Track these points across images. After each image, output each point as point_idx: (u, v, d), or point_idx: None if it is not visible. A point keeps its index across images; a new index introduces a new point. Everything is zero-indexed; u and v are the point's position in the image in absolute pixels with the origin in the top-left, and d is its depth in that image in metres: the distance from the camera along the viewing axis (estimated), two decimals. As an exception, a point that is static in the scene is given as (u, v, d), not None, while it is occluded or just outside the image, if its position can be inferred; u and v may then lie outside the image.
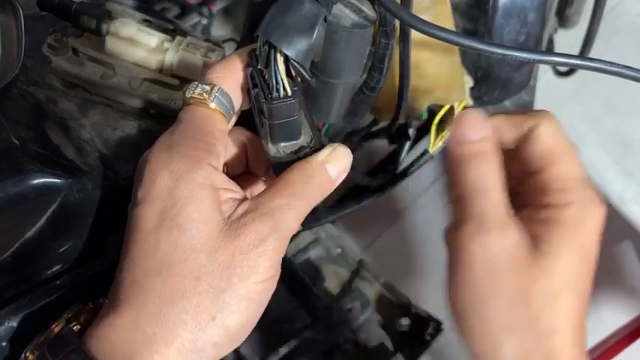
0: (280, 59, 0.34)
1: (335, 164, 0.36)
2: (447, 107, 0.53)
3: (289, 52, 0.34)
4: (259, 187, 0.42)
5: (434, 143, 0.55)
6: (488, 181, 0.37)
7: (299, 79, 0.35)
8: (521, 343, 0.36)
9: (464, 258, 0.36)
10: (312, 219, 0.55)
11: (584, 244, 0.37)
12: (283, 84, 0.34)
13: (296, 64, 0.34)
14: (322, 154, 0.36)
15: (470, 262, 0.36)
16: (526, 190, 0.39)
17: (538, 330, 0.36)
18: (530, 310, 0.36)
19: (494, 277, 0.36)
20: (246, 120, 0.39)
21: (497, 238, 0.36)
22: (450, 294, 0.38)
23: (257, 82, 0.35)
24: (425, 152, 0.56)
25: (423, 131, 0.62)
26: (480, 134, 0.38)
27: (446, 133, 0.54)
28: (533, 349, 0.36)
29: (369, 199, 0.56)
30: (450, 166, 0.38)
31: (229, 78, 0.36)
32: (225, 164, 0.39)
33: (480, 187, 0.37)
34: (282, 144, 0.36)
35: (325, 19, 0.36)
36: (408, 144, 0.63)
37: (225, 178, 0.35)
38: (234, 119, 0.38)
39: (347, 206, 0.56)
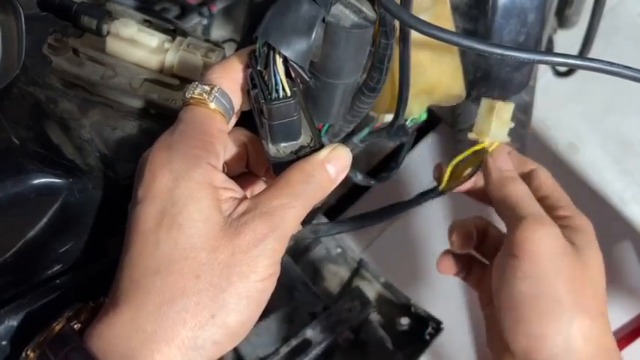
0: (279, 60, 0.34)
1: (335, 163, 0.36)
2: (478, 147, 0.49)
3: (288, 54, 0.34)
4: (260, 187, 0.42)
5: (447, 181, 0.51)
6: (530, 193, 0.47)
7: (298, 80, 0.35)
8: (583, 322, 0.42)
9: (528, 248, 0.43)
10: (312, 231, 0.54)
11: (596, 242, 0.46)
12: (282, 85, 0.34)
13: (295, 65, 0.34)
14: (322, 154, 0.36)
15: (535, 251, 0.43)
16: None
17: (594, 313, 0.43)
18: (586, 295, 0.43)
19: (558, 264, 0.43)
20: (246, 121, 0.40)
21: (554, 230, 0.44)
22: (514, 288, 0.43)
23: (257, 83, 0.35)
24: (435, 189, 0.53)
25: (423, 132, 0.62)
26: (510, 165, 0.50)
27: (463, 171, 0.51)
28: (592, 328, 0.42)
29: (372, 219, 0.54)
30: (495, 185, 0.48)
31: (229, 78, 0.36)
32: (226, 164, 0.39)
33: (528, 197, 0.47)
34: (282, 144, 0.37)
35: (324, 20, 0.36)
36: (407, 144, 0.63)
37: (224, 177, 0.35)
38: (234, 119, 0.39)
39: (347, 225, 0.54)
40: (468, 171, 0.51)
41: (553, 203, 0.48)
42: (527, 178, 0.50)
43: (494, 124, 0.47)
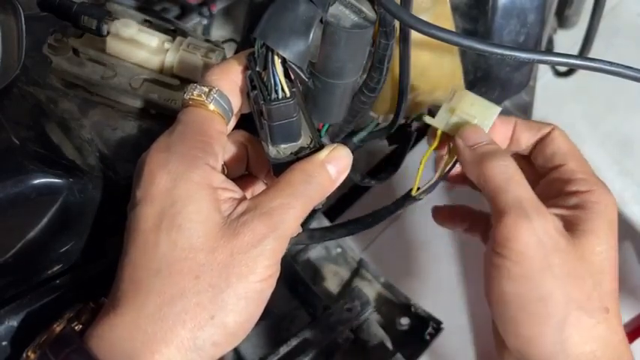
0: (278, 61, 0.34)
1: (335, 164, 0.36)
2: (433, 145, 0.44)
3: (286, 55, 0.34)
4: (260, 188, 0.42)
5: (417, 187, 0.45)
6: (513, 170, 0.40)
7: (297, 81, 0.35)
8: (581, 321, 0.38)
9: (513, 247, 0.38)
10: (308, 237, 0.53)
11: (613, 222, 0.40)
12: (281, 85, 0.34)
13: (293, 66, 0.34)
14: (322, 154, 0.36)
15: (521, 250, 0.38)
16: (547, 184, 0.44)
17: (594, 309, 0.39)
18: (583, 289, 0.38)
19: (547, 261, 0.38)
20: (246, 123, 0.40)
21: (540, 222, 0.38)
22: (500, 288, 0.39)
23: (256, 84, 0.35)
24: (408, 195, 0.46)
25: (423, 132, 0.62)
26: (486, 138, 0.43)
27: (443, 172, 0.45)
28: (594, 327, 0.38)
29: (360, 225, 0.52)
30: (471, 169, 0.42)
31: (227, 80, 0.37)
32: (226, 166, 0.39)
33: (509, 177, 0.40)
34: (282, 145, 0.37)
35: (321, 20, 0.36)
36: (408, 145, 0.63)
37: (223, 178, 0.35)
38: (233, 121, 0.39)
39: (337, 232, 0.53)
40: (439, 172, 0.45)
41: (567, 175, 0.42)
42: (542, 145, 0.44)
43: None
